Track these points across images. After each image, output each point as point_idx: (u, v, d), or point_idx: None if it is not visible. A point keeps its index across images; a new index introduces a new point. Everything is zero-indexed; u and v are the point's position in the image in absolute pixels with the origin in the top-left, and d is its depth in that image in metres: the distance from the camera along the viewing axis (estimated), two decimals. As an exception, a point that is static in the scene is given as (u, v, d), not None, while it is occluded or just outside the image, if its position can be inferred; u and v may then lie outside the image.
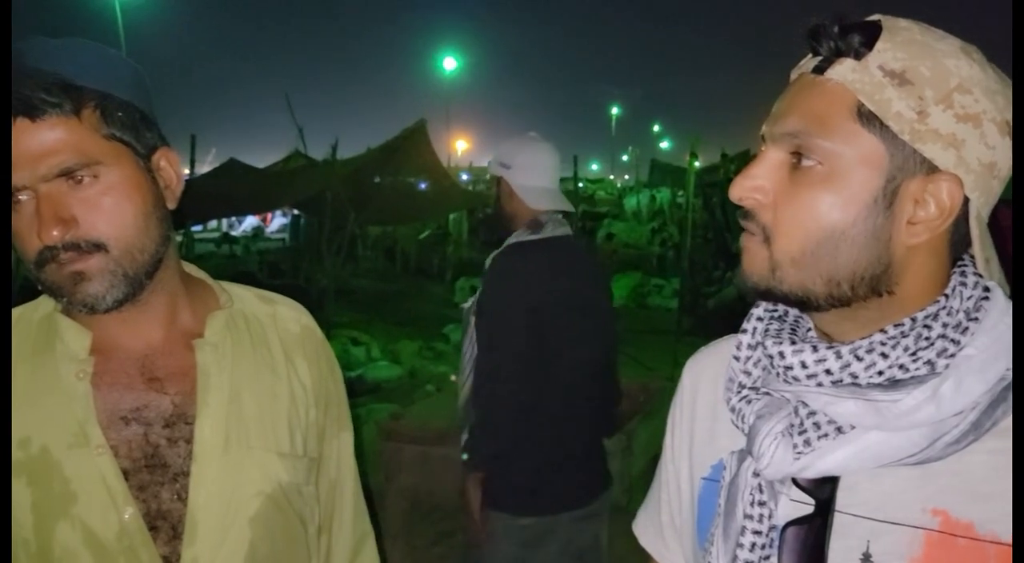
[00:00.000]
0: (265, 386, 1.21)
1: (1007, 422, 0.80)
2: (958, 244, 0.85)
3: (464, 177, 26.79)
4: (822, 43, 0.83)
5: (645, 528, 1.14)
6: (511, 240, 2.58)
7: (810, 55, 0.86)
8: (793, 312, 0.94)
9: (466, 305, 2.69)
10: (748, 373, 0.93)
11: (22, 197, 1.05)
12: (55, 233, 1.03)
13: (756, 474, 0.88)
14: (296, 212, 19.30)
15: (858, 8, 0.87)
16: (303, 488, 1.23)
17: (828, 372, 0.83)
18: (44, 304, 1.19)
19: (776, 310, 0.94)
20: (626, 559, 3.99)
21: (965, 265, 0.87)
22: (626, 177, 49.26)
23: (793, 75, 0.88)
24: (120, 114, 1.09)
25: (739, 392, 0.92)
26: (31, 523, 1.07)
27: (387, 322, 10.40)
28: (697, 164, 12.21)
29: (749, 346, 0.93)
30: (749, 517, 0.88)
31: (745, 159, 16.32)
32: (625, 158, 74.20)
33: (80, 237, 1.05)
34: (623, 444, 3.68)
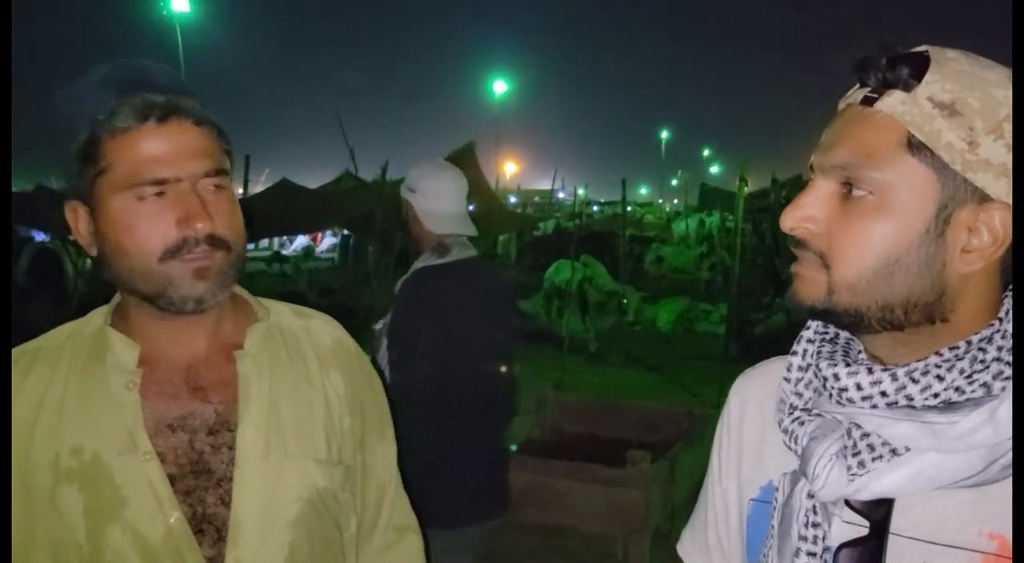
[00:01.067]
0: (301, 396, 1.27)
1: None
2: (1009, 270, 0.86)
3: (512, 200, 26.91)
4: (870, 75, 0.85)
5: (691, 550, 1.15)
6: (417, 264, 2.69)
7: (857, 86, 0.88)
8: (844, 334, 0.95)
9: (377, 327, 2.76)
10: (800, 394, 0.93)
11: (168, 189, 1.12)
12: (204, 225, 1.12)
13: (811, 496, 0.89)
14: (346, 232, 19.55)
15: (906, 37, 0.87)
16: (339, 494, 1.29)
17: (884, 394, 0.84)
18: (94, 319, 1.25)
19: (827, 332, 0.95)
20: (668, 587, 3.96)
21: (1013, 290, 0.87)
22: (675, 201, 49.00)
23: (841, 105, 0.89)
24: (228, 136, 1.21)
25: (791, 413, 0.92)
26: (83, 527, 1.12)
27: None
28: (747, 189, 12.09)
29: (800, 368, 0.94)
30: (804, 539, 0.89)
31: (797, 184, 16.14)
32: (674, 182, 73.88)
33: (216, 233, 1.14)
34: (666, 470, 3.64)
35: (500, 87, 52.89)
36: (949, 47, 0.85)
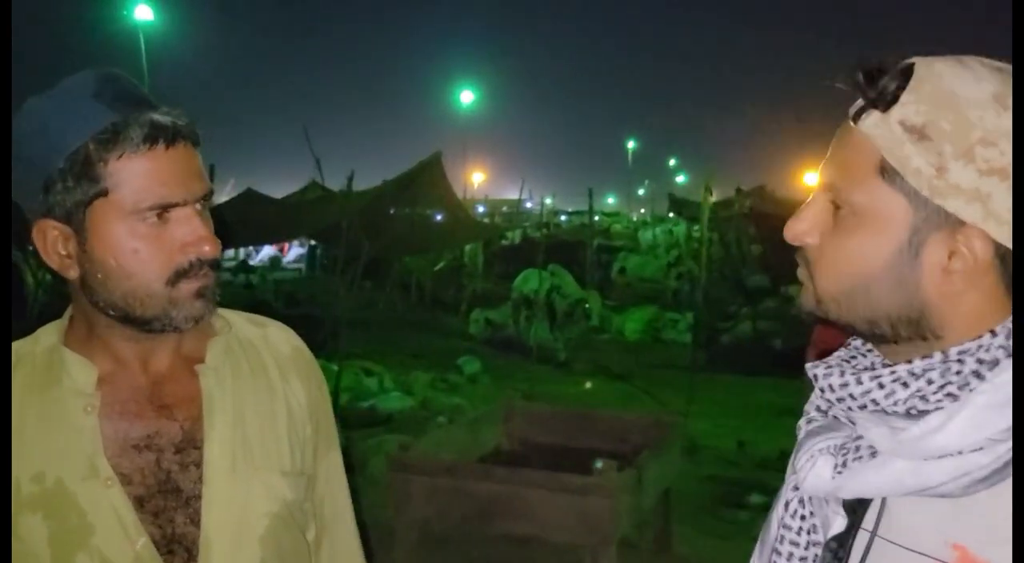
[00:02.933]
0: (265, 407, 1.25)
1: None
2: (1009, 282, 0.84)
3: (480, 209, 26.89)
4: (859, 91, 0.84)
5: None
6: None
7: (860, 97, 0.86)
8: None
9: None
10: (823, 395, 0.94)
11: (175, 213, 1.11)
12: (211, 248, 1.13)
13: (795, 488, 0.91)
14: (313, 242, 19.44)
15: (898, 45, 0.86)
16: (304, 504, 1.28)
17: (852, 397, 0.85)
18: (44, 337, 1.21)
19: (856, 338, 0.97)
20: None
21: None
22: (642, 211, 49.34)
23: (850, 113, 0.88)
24: None
25: (808, 413, 0.95)
26: (49, 556, 1.10)
27: (401, 353, 10.41)
28: (713, 199, 12.21)
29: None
30: (787, 527, 0.92)
31: (760, 194, 16.34)
32: (641, 192, 74.37)
33: (217, 256, 1.15)
34: (634, 478, 3.64)
35: (467, 97, 52.90)
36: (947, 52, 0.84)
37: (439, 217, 12.29)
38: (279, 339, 1.35)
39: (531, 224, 24.74)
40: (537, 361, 9.59)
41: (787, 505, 0.93)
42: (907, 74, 0.81)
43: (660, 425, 4.66)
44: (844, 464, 0.85)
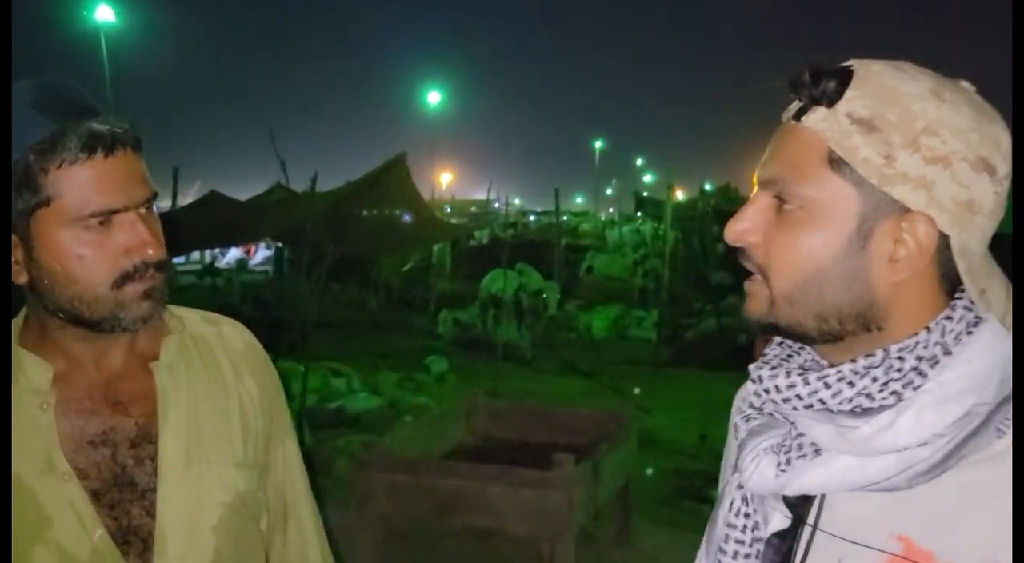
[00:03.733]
0: (218, 402, 1.30)
1: (979, 455, 0.82)
2: (949, 277, 0.87)
3: (447, 210, 26.90)
4: (800, 90, 0.88)
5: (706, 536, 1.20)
6: None
7: (796, 101, 0.90)
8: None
9: None
10: (759, 395, 0.95)
11: (118, 218, 1.15)
12: (154, 251, 1.17)
13: (740, 487, 0.93)
14: (279, 244, 19.34)
15: (847, 49, 0.90)
16: (256, 494, 1.33)
17: (799, 397, 0.87)
18: None
19: (785, 339, 0.98)
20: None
21: (961, 299, 0.88)
22: (610, 210, 49.55)
23: (783, 117, 0.92)
24: None
25: (743, 411, 0.97)
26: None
27: (369, 353, 10.43)
28: (678, 198, 12.35)
29: (761, 368, 0.98)
30: (732, 526, 0.94)
31: (725, 193, 16.52)
32: (609, 191, 74.63)
33: (162, 257, 1.19)
34: (590, 471, 3.73)
35: (434, 98, 52.85)
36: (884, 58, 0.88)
37: (406, 218, 12.31)
38: (232, 336, 1.39)
39: (499, 224, 24.82)
40: (504, 360, 9.66)
41: (731, 504, 0.95)
42: (847, 74, 0.86)
43: (616, 419, 4.75)
44: (788, 462, 0.87)
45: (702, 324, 12.77)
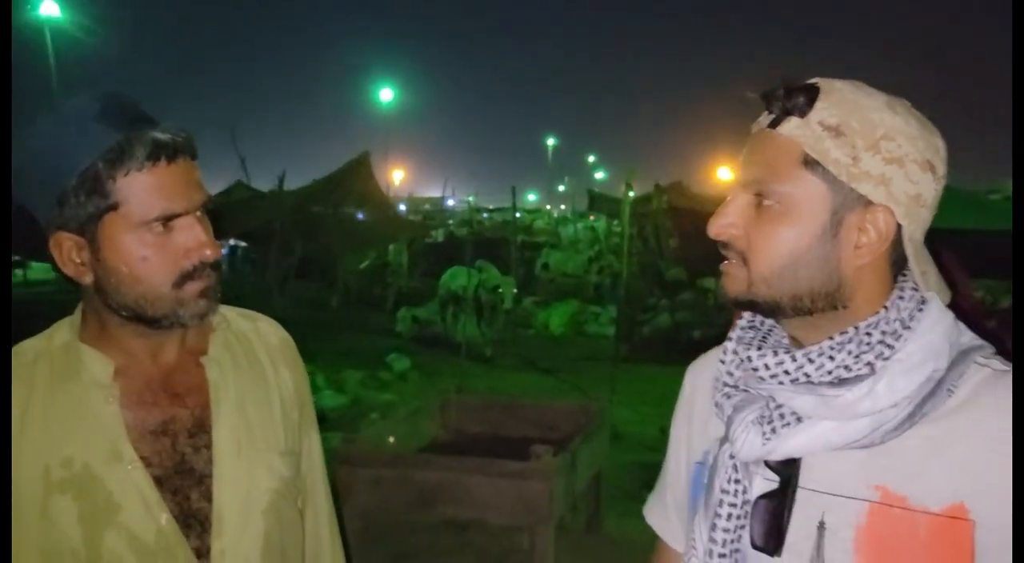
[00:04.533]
0: (261, 394, 1.40)
1: (936, 412, 0.98)
2: (897, 263, 1.04)
3: (402, 207, 26.86)
4: (773, 104, 1.03)
5: (652, 510, 1.33)
6: None
7: (766, 113, 1.05)
8: (768, 322, 1.13)
9: None
10: (731, 374, 1.11)
11: (179, 222, 1.23)
12: (212, 252, 1.25)
13: (732, 456, 1.06)
14: (233, 243, 19.13)
15: (808, 68, 1.05)
16: (296, 480, 1.43)
17: (787, 372, 1.02)
18: (59, 334, 1.32)
19: (754, 321, 1.14)
20: (571, 573, 4.18)
21: (905, 280, 1.04)
22: (562, 207, 49.80)
23: (754, 129, 1.07)
24: None
25: (722, 389, 1.10)
26: (79, 534, 1.21)
27: (330, 352, 10.44)
28: (632, 194, 12.53)
29: (733, 352, 1.12)
30: (725, 492, 1.06)
31: (677, 190, 16.75)
32: (561, 188, 74.94)
33: (217, 258, 1.28)
34: (568, 462, 3.87)
35: (386, 95, 52.58)
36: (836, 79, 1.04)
37: (360, 215, 12.29)
38: (268, 331, 1.49)
39: (454, 222, 24.85)
40: (464, 357, 9.74)
41: (725, 472, 1.06)
42: (815, 89, 1.01)
43: (588, 412, 4.90)
44: (773, 430, 1.01)
45: (657, 319, 13.01)
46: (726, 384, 1.11)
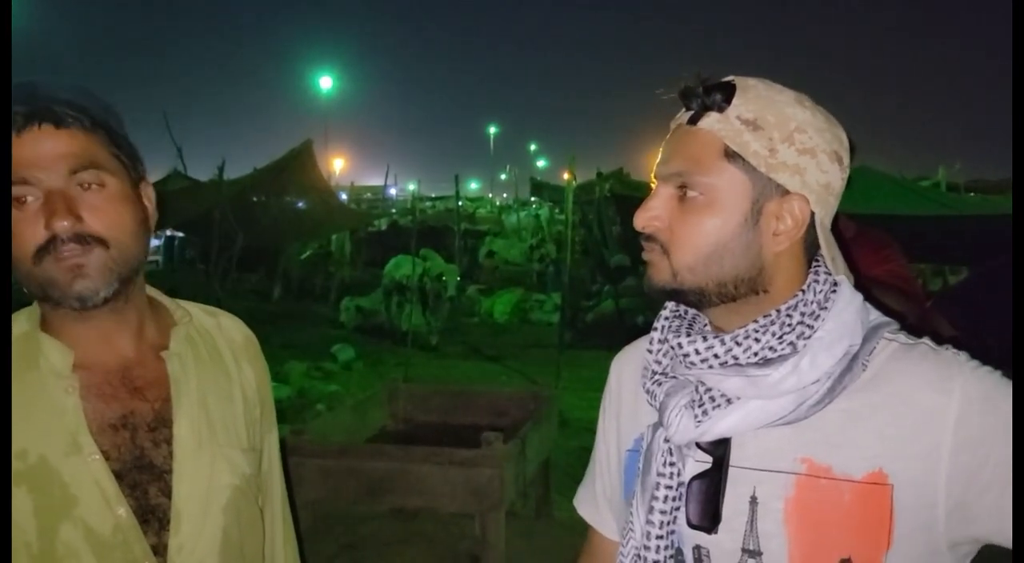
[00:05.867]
0: (223, 390, 1.38)
1: (853, 386, 1.04)
2: (811, 248, 1.09)
3: (343, 196, 26.66)
4: (692, 101, 1.07)
5: (582, 500, 1.37)
6: None
7: (684, 109, 1.10)
8: (692, 312, 1.16)
9: None
10: (659, 362, 1.15)
11: (30, 196, 1.17)
12: (65, 223, 1.16)
13: (666, 440, 1.10)
14: (169, 233, 18.73)
15: (724, 65, 1.12)
16: (256, 478, 1.41)
17: (716, 356, 1.06)
18: (20, 322, 1.29)
19: (678, 311, 1.17)
20: (523, 559, 4.21)
21: (818, 265, 1.10)
22: (504, 195, 49.84)
23: (672, 125, 1.11)
24: (123, 139, 1.26)
25: (652, 377, 1.14)
26: (34, 527, 1.18)
27: (273, 344, 10.31)
28: (574, 183, 12.59)
29: (659, 340, 1.16)
30: (662, 475, 1.10)
31: (619, 177, 16.89)
32: (503, 177, 74.98)
33: (85, 231, 1.18)
34: (518, 449, 3.88)
35: (326, 83, 51.95)
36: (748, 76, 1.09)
37: (300, 204, 12.12)
38: (231, 327, 1.47)
39: (397, 211, 24.71)
40: (410, 346, 9.72)
41: (661, 455, 1.10)
42: (731, 86, 1.05)
43: (536, 399, 4.92)
44: (704, 413, 1.05)
45: (601, 306, 13.12)
46: (655, 372, 1.14)
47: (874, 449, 1.02)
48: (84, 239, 1.18)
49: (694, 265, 1.06)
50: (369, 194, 33.34)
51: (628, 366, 1.28)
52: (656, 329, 1.17)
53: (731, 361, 1.06)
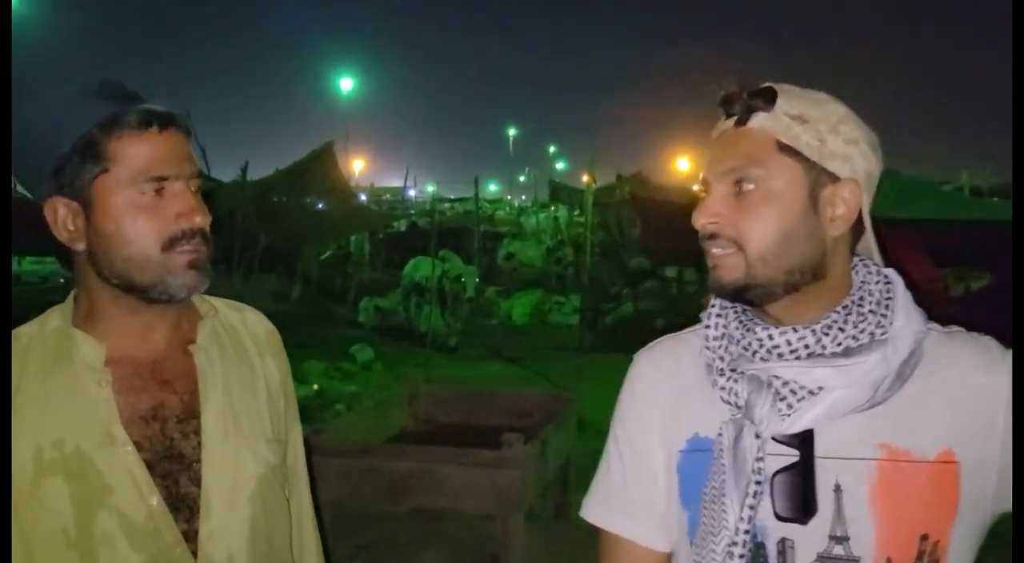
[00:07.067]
0: (247, 383, 1.41)
1: (918, 371, 1.10)
2: (856, 236, 1.15)
3: (362, 197, 26.78)
4: (735, 106, 1.14)
5: (607, 509, 1.29)
6: None
7: (724, 117, 1.16)
8: (739, 308, 1.18)
9: None
10: (722, 358, 1.16)
11: (166, 186, 1.26)
12: (200, 218, 1.28)
13: (757, 436, 1.10)
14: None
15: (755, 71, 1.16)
16: (282, 467, 1.44)
17: (807, 347, 1.10)
18: (51, 319, 1.34)
19: (728, 308, 1.19)
20: (542, 561, 4.21)
21: (859, 257, 1.16)
22: (523, 197, 49.88)
23: (715, 134, 1.17)
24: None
25: (724, 375, 1.15)
26: (71, 513, 1.23)
27: (292, 344, 10.30)
28: (594, 185, 12.58)
29: (715, 337, 1.18)
30: (755, 472, 1.10)
31: (639, 180, 16.86)
32: (522, 179, 75.03)
33: (206, 229, 1.30)
34: (539, 450, 3.89)
35: (347, 84, 52.18)
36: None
37: (320, 205, 12.16)
38: (255, 322, 1.51)
39: (416, 212, 24.77)
40: (429, 347, 9.73)
41: (753, 451, 1.09)
42: (771, 89, 1.12)
43: (556, 401, 4.94)
44: (789, 406, 1.09)
45: (621, 308, 13.10)
46: (722, 370, 1.16)
47: (941, 430, 1.09)
48: (205, 236, 1.29)
49: (766, 254, 1.10)
50: (388, 195, 33.45)
51: (661, 365, 1.28)
52: (710, 327, 1.20)
53: (818, 351, 1.09)
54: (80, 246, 1.27)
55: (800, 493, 1.09)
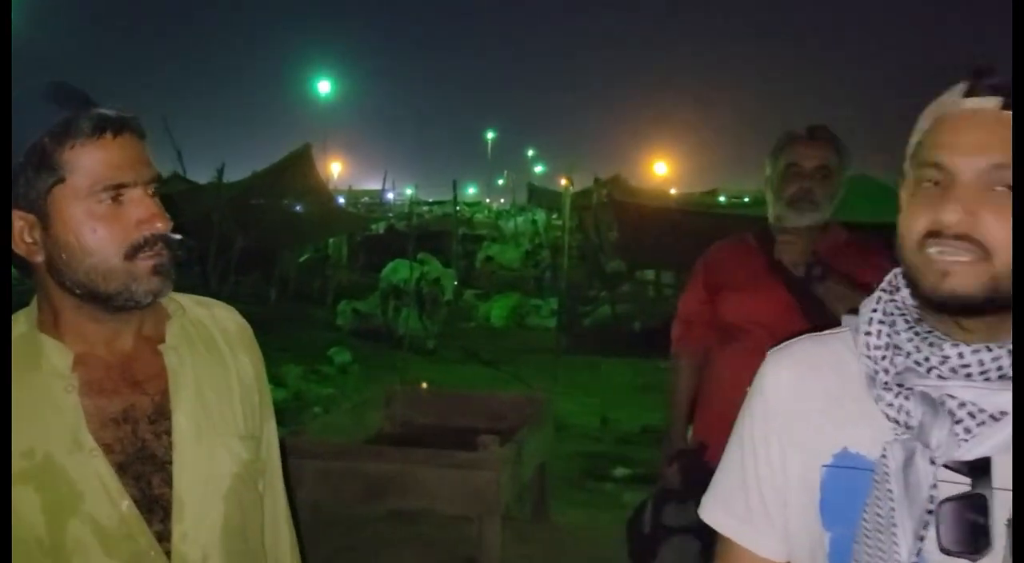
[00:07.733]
0: (220, 380, 1.41)
1: None
2: None
3: (340, 200, 26.72)
4: (984, 85, 0.97)
5: (725, 516, 1.20)
6: None
7: (965, 91, 0.99)
8: (909, 316, 1.05)
9: None
10: (887, 370, 1.02)
11: (124, 193, 1.23)
12: (163, 224, 1.25)
13: (932, 462, 0.98)
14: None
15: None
16: (256, 464, 1.44)
17: (999, 368, 0.96)
18: (19, 323, 1.31)
19: (893, 312, 1.06)
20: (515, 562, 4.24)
21: None
22: (502, 200, 49.90)
23: (957, 110, 0.99)
24: None
25: (891, 389, 1.01)
26: (43, 523, 1.21)
27: (269, 347, 10.25)
28: (572, 189, 12.63)
29: (877, 347, 1.04)
30: (929, 500, 0.97)
31: (616, 183, 16.91)
32: (500, 182, 75.08)
33: (169, 234, 1.27)
34: (515, 452, 3.92)
35: (324, 87, 51.98)
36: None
37: (298, 207, 12.13)
38: (225, 317, 1.49)
39: (395, 215, 24.75)
40: (407, 350, 9.73)
41: (928, 476, 0.98)
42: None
43: (533, 403, 4.95)
44: (967, 430, 0.96)
45: (598, 311, 13.16)
46: (887, 384, 1.03)
47: None
48: (167, 240, 1.26)
49: (1009, 266, 0.95)
50: (367, 198, 33.37)
51: (799, 369, 1.16)
52: (871, 334, 1.06)
53: (1008, 374, 0.96)
54: (39, 258, 1.25)
55: (973, 526, 0.96)
